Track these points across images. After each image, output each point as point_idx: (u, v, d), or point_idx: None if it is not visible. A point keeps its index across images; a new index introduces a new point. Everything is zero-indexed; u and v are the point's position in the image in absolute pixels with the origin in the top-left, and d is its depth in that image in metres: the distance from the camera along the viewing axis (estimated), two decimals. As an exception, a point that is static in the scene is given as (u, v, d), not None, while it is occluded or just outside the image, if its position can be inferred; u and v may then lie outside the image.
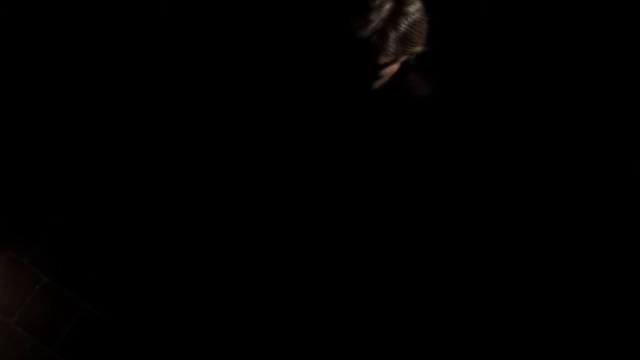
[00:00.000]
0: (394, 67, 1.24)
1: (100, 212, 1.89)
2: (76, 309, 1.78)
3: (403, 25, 1.17)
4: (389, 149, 1.50)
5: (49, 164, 1.95)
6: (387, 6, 1.16)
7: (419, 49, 1.23)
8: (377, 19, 1.15)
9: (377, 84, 1.27)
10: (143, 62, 1.83)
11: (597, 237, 1.57)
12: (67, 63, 1.90)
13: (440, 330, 1.70)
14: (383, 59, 1.19)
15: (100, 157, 1.90)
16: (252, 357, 1.59)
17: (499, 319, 1.65)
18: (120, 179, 1.89)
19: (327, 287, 1.74)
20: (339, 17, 1.21)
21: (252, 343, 1.61)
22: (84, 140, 1.92)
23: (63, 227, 1.92)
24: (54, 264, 1.88)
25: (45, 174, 1.94)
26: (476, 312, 1.69)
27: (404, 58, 1.22)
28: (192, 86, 1.86)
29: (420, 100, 1.37)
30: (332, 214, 1.57)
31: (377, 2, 1.15)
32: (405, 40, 1.19)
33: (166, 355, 1.69)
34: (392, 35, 1.17)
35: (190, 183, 1.83)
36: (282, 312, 1.40)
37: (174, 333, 1.71)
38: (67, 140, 1.94)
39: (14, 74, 1.90)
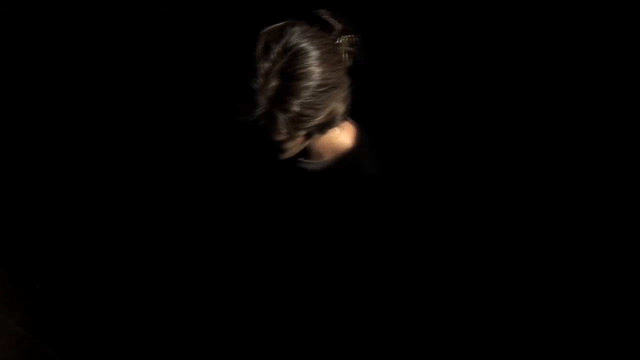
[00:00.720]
0: (298, 141, 1.06)
1: (96, 212, 1.89)
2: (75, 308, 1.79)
3: (294, 107, 0.98)
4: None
5: (48, 166, 1.95)
6: (273, 84, 0.97)
7: (319, 120, 1.02)
8: (262, 101, 0.97)
9: (284, 156, 1.10)
10: (143, 61, 1.84)
11: (597, 237, 1.57)
12: (67, 63, 1.90)
13: (440, 330, 1.71)
14: (278, 138, 1.02)
15: (99, 156, 1.90)
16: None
17: (499, 319, 1.66)
18: (120, 177, 1.89)
19: (324, 287, 1.74)
20: (226, 105, 1.03)
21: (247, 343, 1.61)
22: (83, 139, 1.92)
23: (63, 228, 1.93)
24: (53, 265, 1.88)
25: (44, 173, 1.95)
26: (476, 312, 1.69)
27: (303, 133, 1.04)
28: (190, 86, 1.86)
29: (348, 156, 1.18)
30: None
31: (260, 81, 0.96)
32: (298, 119, 0.99)
33: (167, 355, 1.69)
34: (281, 118, 0.98)
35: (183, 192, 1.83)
36: (274, 313, 1.40)
37: (173, 335, 1.71)
38: (65, 139, 1.95)
39: (14, 74, 1.90)
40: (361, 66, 1.10)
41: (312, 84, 0.98)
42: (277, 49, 0.98)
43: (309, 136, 1.07)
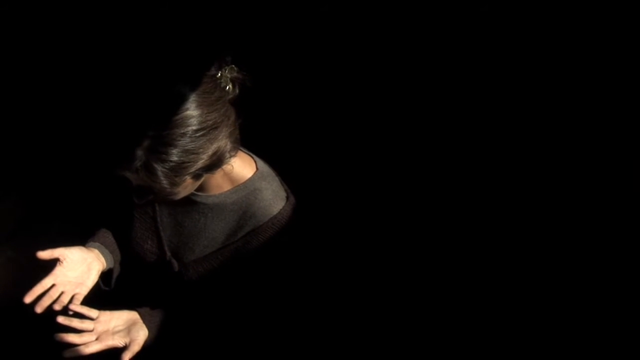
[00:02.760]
0: (185, 184, 1.02)
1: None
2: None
3: (172, 156, 0.93)
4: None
5: (51, 165, 1.95)
6: (147, 134, 0.92)
7: (203, 163, 0.98)
8: (138, 153, 0.93)
9: (176, 197, 1.07)
10: (143, 61, 1.83)
11: (597, 238, 1.57)
12: (67, 63, 1.90)
13: (439, 330, 1.70)
14: (161, 189, 0.99)
15: (100, 158, 1.89)
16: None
17: (499, 319, 1.65)
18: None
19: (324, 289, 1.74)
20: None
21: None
22: (84, 141, 1.92)
23: (63, 229, 1.92)
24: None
25: (47, 175, 1.95)
26: (476, 312, 1.69)
27: (187, 178, 1.00)
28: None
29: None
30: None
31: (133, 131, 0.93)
32: (178, 168, 0.96)
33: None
34: (159, 168, 0.94)
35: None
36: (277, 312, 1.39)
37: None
38: (67, 141, 1.94)
39: (14, 74, 1.90)
40: (250, 90, 1.06)
41: (189, 129, 0.93)
42: (149, 94, 0.95)
43: (197, 177, 1.04)
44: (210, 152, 0.98)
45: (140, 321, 1.15)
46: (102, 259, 1.23)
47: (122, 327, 1.13)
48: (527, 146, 1.67)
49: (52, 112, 1.93)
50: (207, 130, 0.96)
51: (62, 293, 1.10)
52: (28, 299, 1.06)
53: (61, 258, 1.12)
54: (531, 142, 1.66)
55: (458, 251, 1.74)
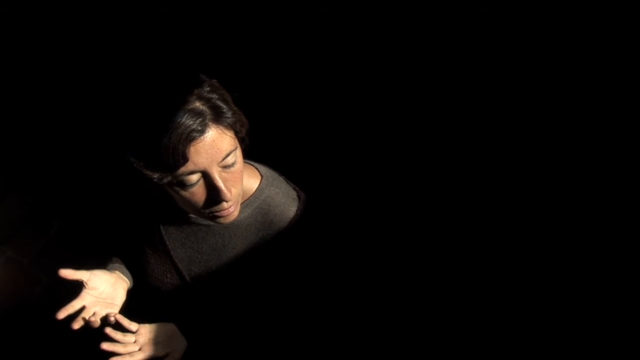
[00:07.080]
0: (239, 155, 1.06)
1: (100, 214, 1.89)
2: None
3: (222, 103, 1.02)
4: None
5: (51, 165, 1.95)
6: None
7: (237, 115, 1.05)
8: (200, 106, 1.00)
9: (237, 180, 1.08)
10: (143, 61, 1.83)
11: (597, 238, 1.57)
12: (67, 63, 1.90)
13: (439, 331, 1.70)
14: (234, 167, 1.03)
15: (100, 158, 1.90)
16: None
17: (499, 319, 1.65)
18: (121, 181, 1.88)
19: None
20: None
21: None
22: (84, 141, 1.92)
23: (63, 228, 1.92)
24: (53, 265, 1.88)
25: (47, 175, 1.95)
26: (476, 312, 1.69)
27: (242, 131, 1.07)
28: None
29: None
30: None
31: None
32: (233, 116, 1.03)
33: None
34: (226, 118, 1.02)
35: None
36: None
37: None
38: (67, 141, 1.94)
39: (14, 74, 1.90)
40: (250, 90, 1.11)
41: (208, 85, 1.03)
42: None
43: (241, 142, 1.07)
44: (234, 107, 1.06)
45: (178, 332, 1.17)
46: (125, 279, 1.25)
47: (162, 337, 1.15)
48: (528, 146, 1.67)
49: (66, 110, 1.92)
50: (219, 86, 1.05)
51: (93, 314, 1.11)
52: (62, 315, 1.08)
53: (85, 279, 1.12)
54: (532, 141, 1.66)
55: (462, 246, 1.74)
